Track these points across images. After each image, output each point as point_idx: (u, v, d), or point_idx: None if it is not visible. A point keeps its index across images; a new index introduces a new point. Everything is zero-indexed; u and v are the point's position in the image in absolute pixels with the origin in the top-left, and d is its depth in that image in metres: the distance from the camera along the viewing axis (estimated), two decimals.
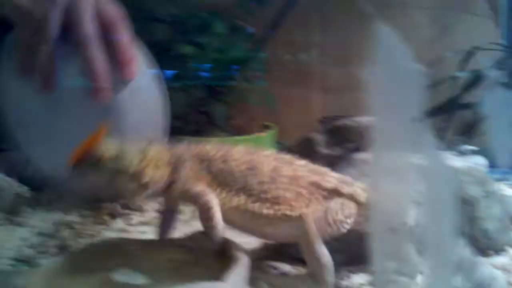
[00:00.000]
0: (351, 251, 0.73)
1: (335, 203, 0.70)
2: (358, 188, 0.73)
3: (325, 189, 0.71)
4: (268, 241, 0.78)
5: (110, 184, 0.70)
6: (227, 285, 0.61)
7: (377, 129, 0.45)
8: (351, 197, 0.71)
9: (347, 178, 0.74)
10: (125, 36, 0.84)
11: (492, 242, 0.76)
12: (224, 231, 0.70)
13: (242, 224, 0.73)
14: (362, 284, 0.74)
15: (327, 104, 1.90)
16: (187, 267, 0.71)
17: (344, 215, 0.70)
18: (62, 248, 0.95)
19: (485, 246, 0.75)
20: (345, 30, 1.80)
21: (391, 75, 0.43)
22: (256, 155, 0.73)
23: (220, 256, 0.71)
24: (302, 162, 0.75)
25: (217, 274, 0.66)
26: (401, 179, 0.46)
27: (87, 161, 0.68)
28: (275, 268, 0.80)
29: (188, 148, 0.74)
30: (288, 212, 0.69)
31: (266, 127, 1.42)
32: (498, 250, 0.78)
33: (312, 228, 0.68)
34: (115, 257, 0.73)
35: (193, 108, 1.27)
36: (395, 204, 0.49)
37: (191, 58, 1.22)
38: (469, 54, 1.44)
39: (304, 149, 0.94)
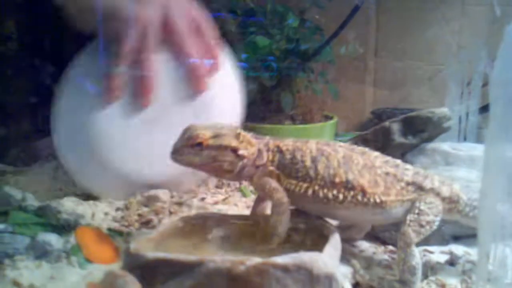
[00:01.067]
0: None
1: (424, 204, 0.74)
2: (437, 181, 0.77)
3: (402, 181, 0.75)
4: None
5: (212, 160, 0.77)
6: (325, 256, 0.66)
7: (495, 122, 0.50)
8: (435, 192, 0.75)
9: (422, 171, 0.78)
10: (211, 36, 0.91)
11: None
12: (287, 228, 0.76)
13: (317, 209, 0.78)
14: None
15: (379, 97, 1.94)
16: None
17: (433, 214, 0.74)
18: (144, 223, 1.02)
19: None
20: (403, 26, 1.84)
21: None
22: (328, 146, 0.78)
23: (312, 233, 0.77)
24: (376, 153, 0.79)
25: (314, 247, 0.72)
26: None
27: (191, 143, 0.76)
28: (353, 245, 0.85)
29: (270, 140, 0.81)
30: (359, 198, 0.74)
31: (327, 117, 1.47)
32: None
33: (409, 232, 0.72)
34: (214, 228, 0.80)
35: (262, 96, 1.32)
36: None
37: (263, 49, 1.28)
38: None
39: (379, 137, 0.99)
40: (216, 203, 1.11)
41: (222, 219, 0.82)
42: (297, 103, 1.38)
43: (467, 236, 0.84)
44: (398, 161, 0.79)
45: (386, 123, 0.98)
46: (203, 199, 1.13)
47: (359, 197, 0.74)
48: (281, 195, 0.75)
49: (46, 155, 1.43)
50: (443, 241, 0.83)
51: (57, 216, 0.94)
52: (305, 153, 0.77)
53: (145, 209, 1.10)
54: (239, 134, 0.78)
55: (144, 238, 0.74)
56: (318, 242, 0.72)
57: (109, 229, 0.94)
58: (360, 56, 1.84)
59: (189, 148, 0.77)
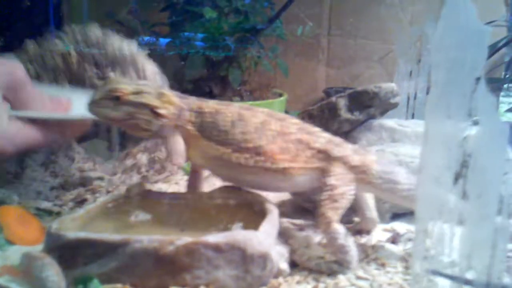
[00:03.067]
0: None
1: (331, 177, 0.71)
2: (349, 150, 0.74)
3: (313, 148, 0.73)
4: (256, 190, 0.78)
5: (130, 116, 0.74)
6: (261, 234, 0.63)
7: (436, 89, 0.46)
8: (343, 160, 0.73)
9: (337, 139, 0.75)
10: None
11: None
12: (183, 161, 0.74)
13: (227, 174, 0.76)
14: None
15: (332, 76, 1.92)
16: (218, 218, 0.73)
17: (344, 184, 0.71)
18: (79, 202, 0.97)
19: None
20: (356, 4, 1.81)
21: (457, 32, 0.44)
22: (249, 110, 0.75)
23: (248, 209, 0.74)
24: (295, 120, 0.77)
25: (249, 224, 0.68)
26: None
27: (110, 96, 0.72)
28: (293, 224, 0.82)
29: (193, 100, 0.77)
30: (268, 165, 0.72)
31: (277, 94, 1.43)
32: None
33: (327, 214, 0.69)
34: (146, 208, 0.75)
35: (210, 71, 1.27)
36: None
37: (210, 21, 1.22)
38: None
39: (325, 113, 0.96)
40: (156, 182, 1.06)
41: (156, 197, 0.78)
42: (246, 79, 1.33)
43: (410, 213, 0.82)
44: (316, 129, 0.76)
45: (333, 99, 0.95)
46: (144, 177, 1.08)
47: (268, 164, 0.72)
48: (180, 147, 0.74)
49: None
50: (385, 219, 0.81)
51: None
52: (226, 116, 0.74)
53: (82, 189, 1.05)
54: (161, 93, 0.75)
55: (68, 217, 0.68)
56: (256, 219, 0.68)
57: (38, 209, 0.88)
58: (314, 35, 1.81)
59: (107, 100, 0.73)
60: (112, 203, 0.74)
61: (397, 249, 0.74)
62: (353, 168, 0.72)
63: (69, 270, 0.59)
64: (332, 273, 0.67)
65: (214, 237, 0.60)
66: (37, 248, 0.71)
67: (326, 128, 0.90)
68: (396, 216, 0.82)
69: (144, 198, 0.77)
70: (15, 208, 0.79)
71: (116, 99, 0.73)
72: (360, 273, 0.67)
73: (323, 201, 0.69)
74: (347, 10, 1.88)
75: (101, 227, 0.70)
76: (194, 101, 0.77)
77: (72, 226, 0.67)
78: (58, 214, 0.85)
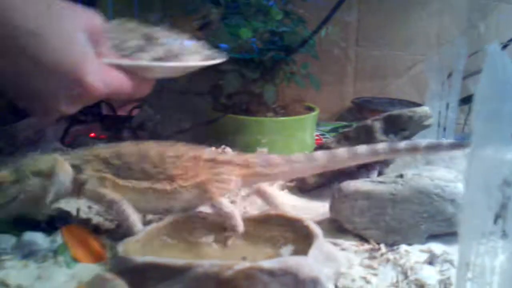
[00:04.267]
0: None
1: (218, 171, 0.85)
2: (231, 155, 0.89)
3: (205, 160, 0.85)
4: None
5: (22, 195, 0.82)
6: (310, 259, 0.68)
7: (477, 137, 0.51)
8: (227, 162, 0.86)
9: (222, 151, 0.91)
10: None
11: None
12: (139, 221, 0.82)
13: (152, 206, 0.85)
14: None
15: (359, 87, 1.96)
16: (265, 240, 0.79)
17: (227, 175, 0.84)
18: None
19: None
20: (384, 15, 1.85)
21: (496, 86, 0.50)
22: (141, 145, 0.86)
23: (293, 233, 0.79)
24: (182, 143, 0.88)
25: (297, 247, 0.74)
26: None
27: None
28: (335, 244, 0.87)
29: (83, 151, 0.86)
30: (183, 183, 0.83)
31: (309, 109, 1.48)
32: None
33: (212, 190, 0.83)
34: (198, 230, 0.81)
35: (245, 88, 1.33)
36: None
37: (246, 41, 1.28)
38: None
39: (361, 135, 1.01)
40: None
41: (205, 219, 0.83)
42: (279, 95, 1.39)
43: (445, 234, 0.86)
44: (202, 147, 0.90)
45: (369, 121, 1.00)
46: None
47: (183, 183, 0.84)
48: (110, 197, 0.83)
49: (24, 139, 1.41)
50: (422, 240, 0.86)
51: (41, 213, 0.94)
52: (128, 154, 0.84)
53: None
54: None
55: (132, 239, 0.75)
56: (303, 244, 0.74)
57: (95, 226, 0.94)
58: (341, 45, 1.85)
59: None
60: (166, 225, 0.80)
61: (435, 270, 0.79)
62: (238, 165, 0.86)
63: None
64: None
65: (269, 263, 0.66)
66: (99, 266, 0.78)
67: None
68: (432, 237, 0.87)
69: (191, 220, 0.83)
70: (78, 227, 0.85)
71: None
72: None
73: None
74: (375, 22, 1.92)
75: (159, 248, 0.76)
76: (83, 153, 0.86)
77: (136, 248, 0.73)
78: (114, 232, 0.91)
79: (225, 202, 0.83)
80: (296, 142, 1.40)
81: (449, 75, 1.27)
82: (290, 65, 1.35)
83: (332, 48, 1.84)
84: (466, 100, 1.28)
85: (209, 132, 1.37)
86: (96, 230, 0.93)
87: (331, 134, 1.69)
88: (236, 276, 0.64)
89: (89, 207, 1.06)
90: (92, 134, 1.81)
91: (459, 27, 1.79)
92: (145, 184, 0.84)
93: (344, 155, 0.89)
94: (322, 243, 0.73)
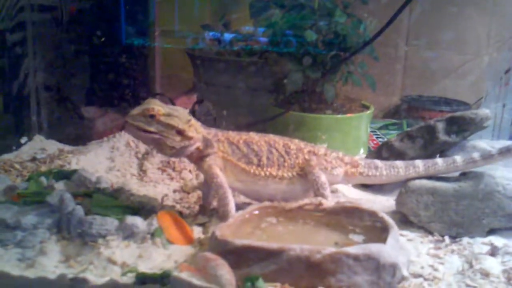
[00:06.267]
0: None
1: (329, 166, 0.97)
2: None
3: (320, 155, 0.97)
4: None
5: (158, 134, 0.92)
6: (388, 247, 0.76)
7: None
8: (338, 159, 0.99)
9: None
10: None
11: None
12: (234, 209, 0.92)
13: (266, 192, 0.96)
14: None
15: (407, 85, 2.01)
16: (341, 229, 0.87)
17: (336, 171, 0.98)
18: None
19: None
20: (435, 15, 1.89)
21: None
22: (266, 137, 0.99)
23: (369, 223, 0.87)
24: (296, 140, 1.00)
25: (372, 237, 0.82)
26: None
27: (145, 113, 0.91)
28: (402, 235, 0.95)
29: (218, 132, 0.98)
30: (300, 173, 0.97)
31: (364, 106, 1.55)
32: None
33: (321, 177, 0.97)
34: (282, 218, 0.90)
35: (306, 87, 1.40)
36: None
37: (310, 43, 1.36)
38: None
39: (424, 134, 1.08)
40: None
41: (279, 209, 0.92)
42: (337, 93, 1.46)
43: (505, 228, 0.93)
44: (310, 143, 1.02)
45: (431, 122, 1.07)
46: None
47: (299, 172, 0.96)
48: (221, 180, 0.94)
49: (102, 133, 1.52)
50: (483, 233, 0.92)
51: (131, 199, 1.04)
52: (252, 143, 0.97)
53: (199, 192, 1.20)
54: (189, 120, 0.94)
55: (224, 225, 0.84)
56: (376, 234, 0.82)
57: (179, 212, 1.04)
58: (392, 44, 1.90)
59: (142, 116, 0.92)
60: (257, 211, 0.89)
61: (497, 261, 0.86)
62: (346, 164, 1.02)
63: (235, 270, 0.74)
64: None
65: (353, 249, 0.74)
66: (190, 248, 0.87)
67: (424, 148, 1.02)
68: (493, 231, 0.93)
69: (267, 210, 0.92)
70: (170, 212, 0.95)
71: (150, 117, 0.90)
72: (468, 281, 0.80)
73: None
74: (425, 21, 1.96)
75: (248, 233, 0.85)
76: (219, 132, 0.98)
77: (228, 232, 0.82)
78: (203, 221, 1.00)
79: (322, 176, 0.95)
80: (352, 139, 1.47)
81: (508, 70, 1.31)
82: (348, 65, 1.42)
83: (382, 46, 1.90)
84: None
85: (270, 128, 1.45)
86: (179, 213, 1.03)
87: (381, 131, 1.75)
88: (324, 259, 0.73)
89: (166, 195, 1.15)
90: None
91: (510, 27, 1.82)
92: (268, 170, 0.96)
93: (442, 164, 0.97)
94: (397, 234, 0.81)
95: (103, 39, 1.63)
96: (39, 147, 1.47)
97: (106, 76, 1.70)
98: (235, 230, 0.84)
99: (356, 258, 0.73)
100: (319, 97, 1.43)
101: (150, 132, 0.92)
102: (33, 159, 1.36)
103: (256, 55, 1.57)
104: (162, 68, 1.96)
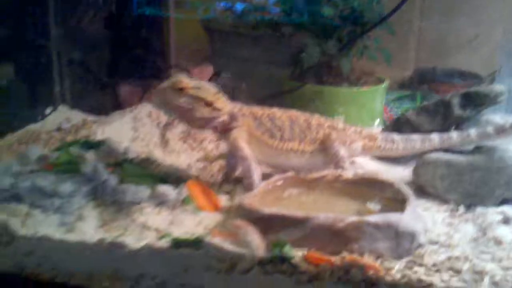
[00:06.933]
0: None
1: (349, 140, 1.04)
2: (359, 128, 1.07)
3: (339, 129, 1.04)
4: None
5: (187, 106, 0.97)
6: (407, 216, 0.81)
7: None
8: (357, 133, 1.06)
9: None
10: None
11: None
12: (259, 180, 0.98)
13: (289, 164, 1.01)
14: None
15: (421, 57, 2.03)
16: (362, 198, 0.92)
17: (355, 144, 1.06)
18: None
19: None
20: None
21: None
22: (288, 112, 1.04)
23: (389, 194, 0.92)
24: (316, 115, 1.06)
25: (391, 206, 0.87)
26: None
27: (175, 86, 0.96)
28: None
29: (243, 106, 1.03)
30: (320, 147, 1.02)
31: (379, 79, 1.59)
32: None
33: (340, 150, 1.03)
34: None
35: (323, 60, 1.44)
36: None
37: (327, 18, 1.39)
38: None
39: (440, 109, 1.12)
40: None
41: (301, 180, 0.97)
42: (353, 67, 1.49)
43: None
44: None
45: (447, 97, 1.11)
46: None
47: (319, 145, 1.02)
48: (246, 152, 0.99)
49: (125, 103, 1.57)
50: (496, 203, 0.97)
51: (158, 168, 1.10)
52: (276, 117, 1.02)
53: (221, 161, 1.25)
54: (216, 93, 1.00)
55: (251, 194, 0.89)
56: (394, 203, 0.87)
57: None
58: (406, 17, 1.92)
59: (171, 90, 0.97)
60: (280, 182, 0.95)
61: (509, 229, 0.91)
62: (364, 138, 1.08)
63: (264, 235, 0.80)
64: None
65: (374, 218, 0.79)
66: (217, 215, 0.92)
67: (440, 122, 1.07)
68: (505, 201, 0.98)
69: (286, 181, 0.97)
70: (197, 181, 1.00)
71: (179, 90, 0.95)
72: (482, 247, 0.85)
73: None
74: None
75: (272, 202, 0.90)
76: (244, 107, 1.02)
77: (255, 200, 0.87)
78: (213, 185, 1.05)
79: (342, 150, 1.01)
80: (368, 111, 1.51)
81: None
82: (364, 40, 1.45)
83: (396, 18, 1.91)
84: None
85: (287, 101, 1.49)
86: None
87: (395, 103, 1.78)
88: (347, 227, 0.78)
89: (188, 165, 1.21)
90: None
91: None
92: (290, 145, 1.01)
93: (457, 138, 1.03)
94: (414, 204, 0.86)
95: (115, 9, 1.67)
96: (63, 117, 1.51)
97: (122, 48, 1.74)
98: (260, 199, 0.89)
99: (376, 226, 0.78)
100: (336, 71, 1.47)
101: (180, 105, 0.96)
102: (59, 129, 1.41)
103: (272, 28, 1.59)
104: (177, 39, 1.99)
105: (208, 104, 0.98)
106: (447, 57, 1.99)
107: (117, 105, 1.58)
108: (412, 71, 1.99)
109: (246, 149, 0.98)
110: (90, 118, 1.51)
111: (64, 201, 0.93)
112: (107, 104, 1.61)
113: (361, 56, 1.51)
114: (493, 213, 0.96)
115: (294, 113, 1.03)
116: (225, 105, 1.00)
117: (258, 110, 1.02)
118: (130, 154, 1.15)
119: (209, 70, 1.79)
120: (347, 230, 0.78)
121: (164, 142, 1.33)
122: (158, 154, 1.26)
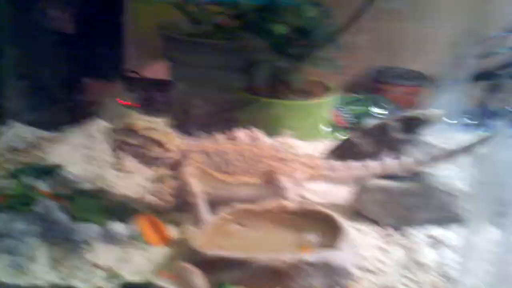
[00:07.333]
0: None
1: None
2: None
3: (285, 160, 1.10)
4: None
5: (141, 148, 1.03)
6: (341, 252, 0.87)
7: None
8: (301, 163, 1.11)
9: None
10: None
11: None
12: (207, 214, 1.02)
13: (244, 195, 1.06)
14: None
15: (373, 58, 2.08)
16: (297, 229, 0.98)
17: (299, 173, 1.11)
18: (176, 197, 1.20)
19: None
20: None
21: None
22: (238, 146, 1.08)
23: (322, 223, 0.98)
24: (264, 144, 1.13)
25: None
26: None
27: (127, 127, 1.02)
28: (356, 229, 1.07)
29: (192, 142, 1.08)
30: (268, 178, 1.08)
31: (328, 89, 1.64)
32: None
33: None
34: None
35: (274, 75, 1.48)
36: None
37: (278, 36, 1.42)
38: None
39: (379, 134, 1.18)
40: None
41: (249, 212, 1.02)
42: (304, 78, 1.54)
43: (443, 218, 1.06)
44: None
45: (386, 121, 1.17)
46: None
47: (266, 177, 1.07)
48: (194, 188, 1.04)
49: (78, 118, 1.58)
50: (426, 225, 1.05)
51: (111, 199, 1.13)
52: (225, 153, 1.07)
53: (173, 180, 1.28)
54: (168, 132, 1.06)
55: (198, 233, 0.94)
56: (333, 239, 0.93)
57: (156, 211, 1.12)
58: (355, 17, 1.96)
59: (124, 131, 1.03)
60: (220, 220, 0.99)
61: (435, 252, 0.99)
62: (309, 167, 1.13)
63: (208, 276, 0.85)
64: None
65: (311, 257, 0.85)
66: (166, 249, 0.97)
67: (381, 144, 1.13)
68: (435, 222, 1.06)
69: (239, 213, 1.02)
70: (147, 215, 1.04)
71: (132, 131, 1.02)
72: (407, 273, 0.93)
73: None
74: None
75: (221, 237, 0.95)
76: (192, 144, 1.07)
77: (204, 239, 0.92)
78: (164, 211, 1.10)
79: (285, 182, 1.06)
80: (319, 121, 1.57)
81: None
82: (314, 53, 1.49)
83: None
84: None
85: (241, 114, 1.52)
86: (155, 210, 1.11)
87: (346, 106, 1.83)
88: (286, 267, 0.84)
89: (143, 187, 1.24)
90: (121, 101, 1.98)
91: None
92: (238, 178, 1.06)
93: (395, 166, 1.08)
94: (347, 235, 0.92)
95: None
96: (16, 134, 1.51)
97: (74, 57, 1.75)
98: (209, 237, 0.94)
99: (313, 265, 0.84)
100: (287, 84, 1.51)
101: (133, 146, 1.01)
102: (11, 149, 1.42)
103: (228, 37, 1.61)
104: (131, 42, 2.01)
105: (160, 145, 1.01)
106: (397, 57, 2.05)
107: (71, 119, 1.59)
108: (362, 73, 2.04)
109: (195, 185, 1.02)
110: (44, 134, 1.52)
111: (17, 241, 0.96)
112: (60, 118, 1.61)
113: (313, 68, 1.55)
114: (421, 235, 1.03)
115: (242, 146, 1.08)
116: (176, 144, 1.05)
117: (208, 144, 1.06)
118: (83, 184, 1.17)
119: (164, 67, 1.81)
120: (285, 270, 0.84)
121: (117, 162, 1.36)
122: (112, 177, 1.29)
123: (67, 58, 1.77)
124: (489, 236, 0.92)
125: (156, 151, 1.03)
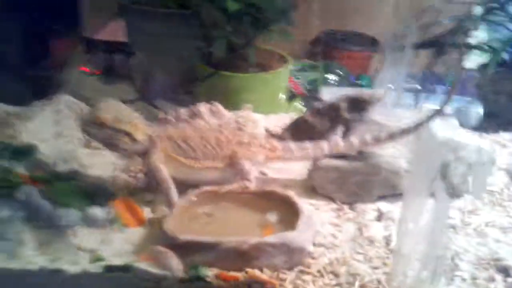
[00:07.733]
0: None
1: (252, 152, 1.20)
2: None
3: (243, 144, 1.20)
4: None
5: (109, 137, 1.11)
6: (298, 234, 1.01)
7: None
8: (260, 146, 1.21)
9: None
10: None
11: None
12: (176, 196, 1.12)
13: (209, 178, 1.16)
14: None
15: (322, 23, 2.16)
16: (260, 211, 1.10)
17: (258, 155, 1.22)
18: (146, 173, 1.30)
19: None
20: None
21: None
22: (202, 132, 1.18)
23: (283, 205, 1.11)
24: (226, 128, 1.24)
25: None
26: None
27: (95, 121, 1.10)
28: (311, 204, 1.20)
29: (162, 129, 1.17)
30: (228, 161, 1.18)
31: (283, 58, 1.73)
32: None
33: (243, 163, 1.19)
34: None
35: (231, 51, 1.57)
36: None
37: (233, 12, 1.49)
38: None
39: (330, 113, 1.30)
40: None
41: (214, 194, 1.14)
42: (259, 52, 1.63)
43: (390, 196, 1.20)
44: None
45: (336, 102, 1.29)
46: None
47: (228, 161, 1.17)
48: (163, 174, 1.13)
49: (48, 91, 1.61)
50: (373, 200, 1.19)
51: (87, 181, 1.22)
52: (193, 138, 1.16)
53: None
54: (135, 123, 1.13)
55: (169, 218, 1.05)
56: (291, 218, 1.05)
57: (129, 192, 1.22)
58: None
59: (93, 124, 1.11)
60: (193, 198, 1.11)
61: (381, 226, 1.13)
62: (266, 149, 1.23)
63: (182, 258, 0.97)
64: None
65: (272, 239, 0.98)
66: (142, 229, 1.08)
67: (332, 123, 1.26)
68: (382, 197, 1.20)
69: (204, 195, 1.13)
70: (124, 199, 1.14)
71: (100, 124, 1.09)
72: (358, 248, 1.07)
73: None
74: None
75: (190, 219, 1.07)
76: (159, 131, 1.16)
77: (174, 223, 1.04)
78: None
79: (247, 165, 1.16)
80: (275, 90, 1.68)
81: None
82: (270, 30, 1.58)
83: None
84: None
85: (200, 88, 1.61)
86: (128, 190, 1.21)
87: (299, 73, 1.94)
88: (250, 248, 0.97)
89: (114, 164, 1.33)
90: (83, 68, 2.02)
91: None
92: (203, 163, 1.15)
93: (343, 146, 1.20)
94: (305, 215, 1.05)
95: None
96: None
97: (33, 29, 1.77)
98: (179, 220, 1.05)
99: (273, 245, 0.97)
100: (243, 59, 1.60)
101: (101, 138, 1.09)
102: None
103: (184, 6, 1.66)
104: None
105: (128, 134, 1.10)
106: (348, 21, 2.13)
107: (37, 93, 1.63)
108: (314, 38, 2.13)
109: (163, 170, 1.12)
110: (10, 109, 1.56)
111: (4, 227, 1.05)
112: (27, 92, 1.65)
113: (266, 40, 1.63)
114: (370, 211, 1.18)
115: (206, 131, 1.18)
116: (144, 133, 1.13)
117: (174, 132, 1.16)
118: (57, 165, 1.25)
119: (121, 25, 1.84)
120: (249, 251, 0.96)
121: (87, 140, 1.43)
122: (83, 155, 1.37)
123: (25, 22, 1.78)
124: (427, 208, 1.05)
125: (124, 142, 1.12)
